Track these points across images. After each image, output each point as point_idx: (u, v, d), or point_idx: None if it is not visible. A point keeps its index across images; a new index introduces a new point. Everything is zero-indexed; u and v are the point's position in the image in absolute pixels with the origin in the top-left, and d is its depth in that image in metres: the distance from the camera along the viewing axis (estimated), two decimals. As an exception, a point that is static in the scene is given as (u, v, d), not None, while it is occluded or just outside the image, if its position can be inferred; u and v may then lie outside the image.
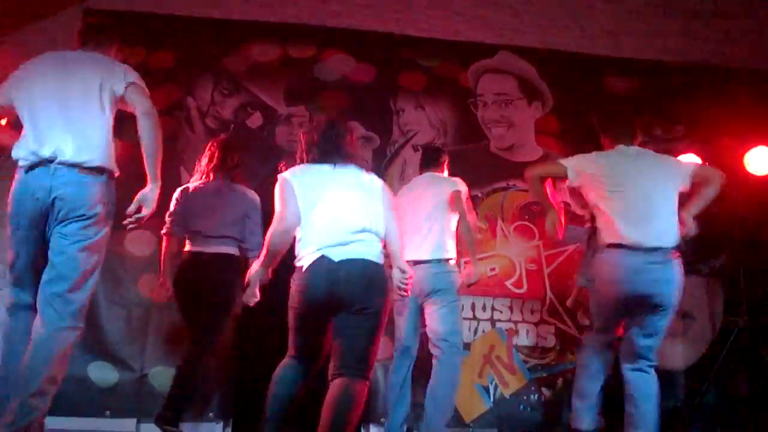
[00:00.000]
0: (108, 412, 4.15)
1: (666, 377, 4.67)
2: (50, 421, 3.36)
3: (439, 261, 3.86)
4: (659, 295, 3.31)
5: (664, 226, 3.34)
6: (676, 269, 3.36)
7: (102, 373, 4.23)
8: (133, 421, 4.14)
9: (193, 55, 4.89)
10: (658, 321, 3.37)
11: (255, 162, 4.50)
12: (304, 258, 2.85)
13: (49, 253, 2.71)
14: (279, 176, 2.99)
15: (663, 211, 3.36)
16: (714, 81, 5.22)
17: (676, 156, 4.80)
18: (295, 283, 2.87)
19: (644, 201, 3.35)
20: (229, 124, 4.83)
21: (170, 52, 4.85)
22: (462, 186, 3.97)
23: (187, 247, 3.85)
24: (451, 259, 3.92)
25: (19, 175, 2.78)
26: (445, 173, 4.18)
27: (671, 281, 3.34)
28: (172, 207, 3.86)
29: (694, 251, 4.93)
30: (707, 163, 4.19)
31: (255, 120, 4.86)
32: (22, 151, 2.75)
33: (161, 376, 4.23)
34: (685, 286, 4.86)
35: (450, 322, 3.81)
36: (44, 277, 2.70)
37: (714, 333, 4.85)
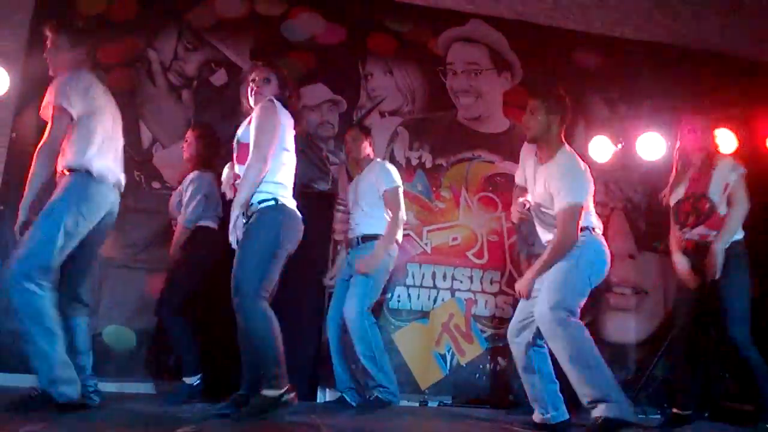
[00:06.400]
0: (59, 370, 4.07)
1: (617, 350, 4.81)
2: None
3: None
4: None
5: None
6: None
7: (54, 330, 4.12)
8: (85, 379, 4.07)
9: (156, 7, 4.71)
10: None
11: (218, 121, 4.40)
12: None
13: None
14: None
15: None
16: (681, 61, 5.27)
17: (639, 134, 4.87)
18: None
19: None
20: (192, 80, 4.70)
21: (132, 3, 4.67)
22: None
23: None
24: None
25: None
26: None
27: None
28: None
29: (649, 228, 5.03)
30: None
31: (219, 77, 4.74)
32: None
33: (114, 334, 4.16)
34: (640, 262, 5.04)
35: None
36: None
37: (666, 309, 4.96)
